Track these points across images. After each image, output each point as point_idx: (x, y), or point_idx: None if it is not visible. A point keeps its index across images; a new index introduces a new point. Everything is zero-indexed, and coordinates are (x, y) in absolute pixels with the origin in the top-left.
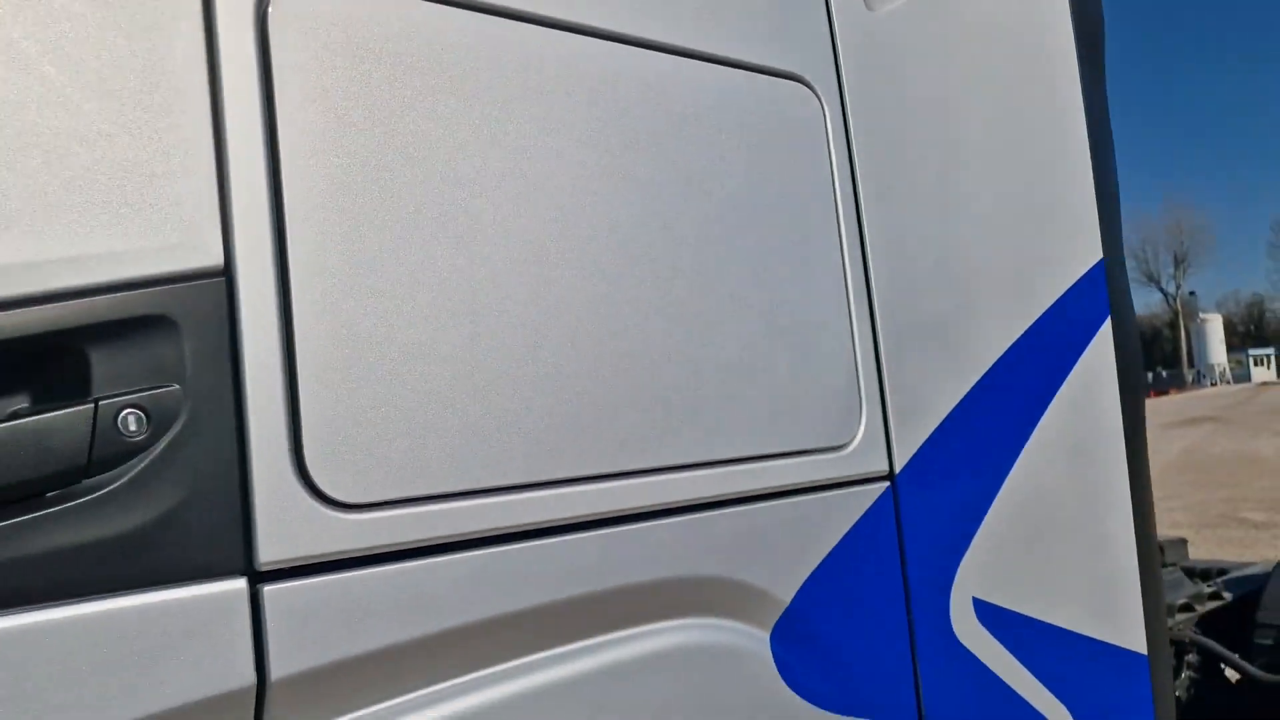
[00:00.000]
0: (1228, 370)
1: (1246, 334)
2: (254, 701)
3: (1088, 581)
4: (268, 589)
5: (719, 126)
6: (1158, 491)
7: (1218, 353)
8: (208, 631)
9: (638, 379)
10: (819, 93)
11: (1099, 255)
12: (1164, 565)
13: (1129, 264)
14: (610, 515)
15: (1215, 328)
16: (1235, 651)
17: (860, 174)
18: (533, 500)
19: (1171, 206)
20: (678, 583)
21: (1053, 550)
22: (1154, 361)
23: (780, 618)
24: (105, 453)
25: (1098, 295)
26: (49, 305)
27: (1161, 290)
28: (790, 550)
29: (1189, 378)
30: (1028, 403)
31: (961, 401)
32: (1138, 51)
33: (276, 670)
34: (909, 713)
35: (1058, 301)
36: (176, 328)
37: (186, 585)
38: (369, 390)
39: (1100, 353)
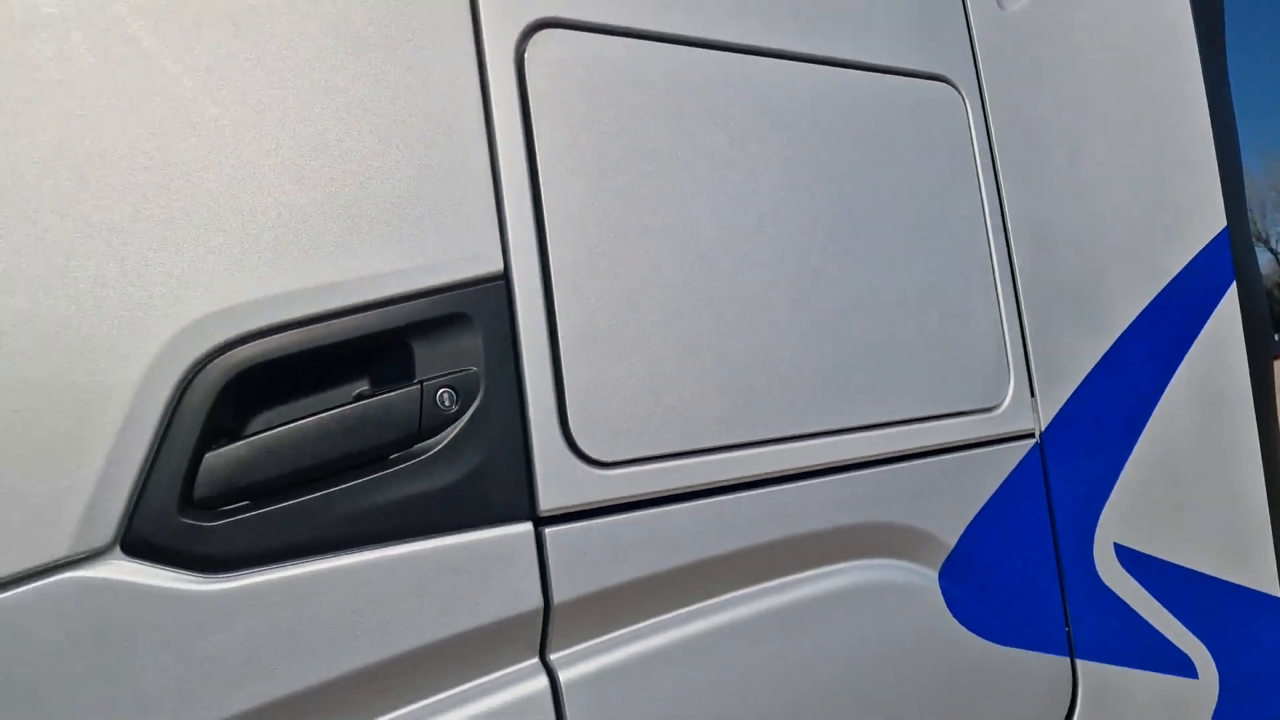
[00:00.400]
0: None
1: None
2: (541, 621)
3: (1221, 529)
4: (548, 530)
5: (878, 127)
6: None
7: None
8: (506, 565)
9: (826, 356)
10: (961, 90)
11: (1222, 224)
12: None
13: None
14: (807, 470)
15: None
16: None
17: (1000, 161)
18: (746, 458)
19: (1277, 164)
20: (861, 528)
21: (1187, 500)
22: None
23: (947, 559)
24: (430, 423)
25: (1223, 261)
26: (382, 310)
27: (1272, 250)
28: (953, 500)
29: None
30: (1159, 364)
31: (1098, 365)
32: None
33: (558, 595)
34: (1060, 647)
35: (1185, 269)
36: (472, 322)
37: (489, 529)
38: (617, 370)
39: (1227, 316)
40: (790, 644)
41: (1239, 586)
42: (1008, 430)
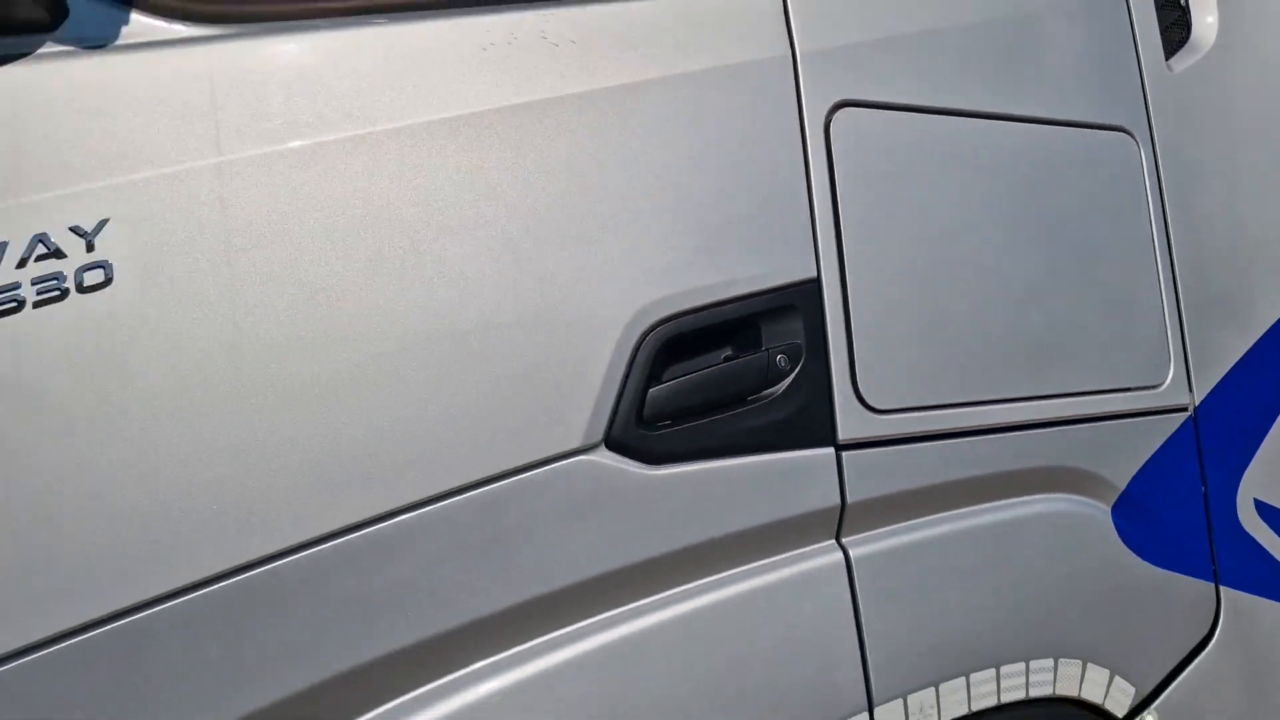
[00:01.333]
0: None
1: None
2: (838, 514)
3: None
4: (844, 454)
5: (1073, 169)
6: None
7: None
8: (817, 474)
9: (1035, 343)
10: (1137, 138)
11: None
12: None
13: None
14: (1019, 424)
15: None
16: None
17: (1166, 195)
18: (977, 412)
19: None
20: (1056, 469)
21: None
22: None
23: (1118, 499)
24: (771, 377)
25: None
26: (744, 301)
27: None
28: (1124, 453)
29: None
30: None
31: (1243, 358)
32: None
33: (850, 498)
34: (1208, 574)
35: None
36: (797, 310)
37: (806, 450)
38: (890, 346)
39: None
40: (1002, 549)
41: None
42: (1168, 404)
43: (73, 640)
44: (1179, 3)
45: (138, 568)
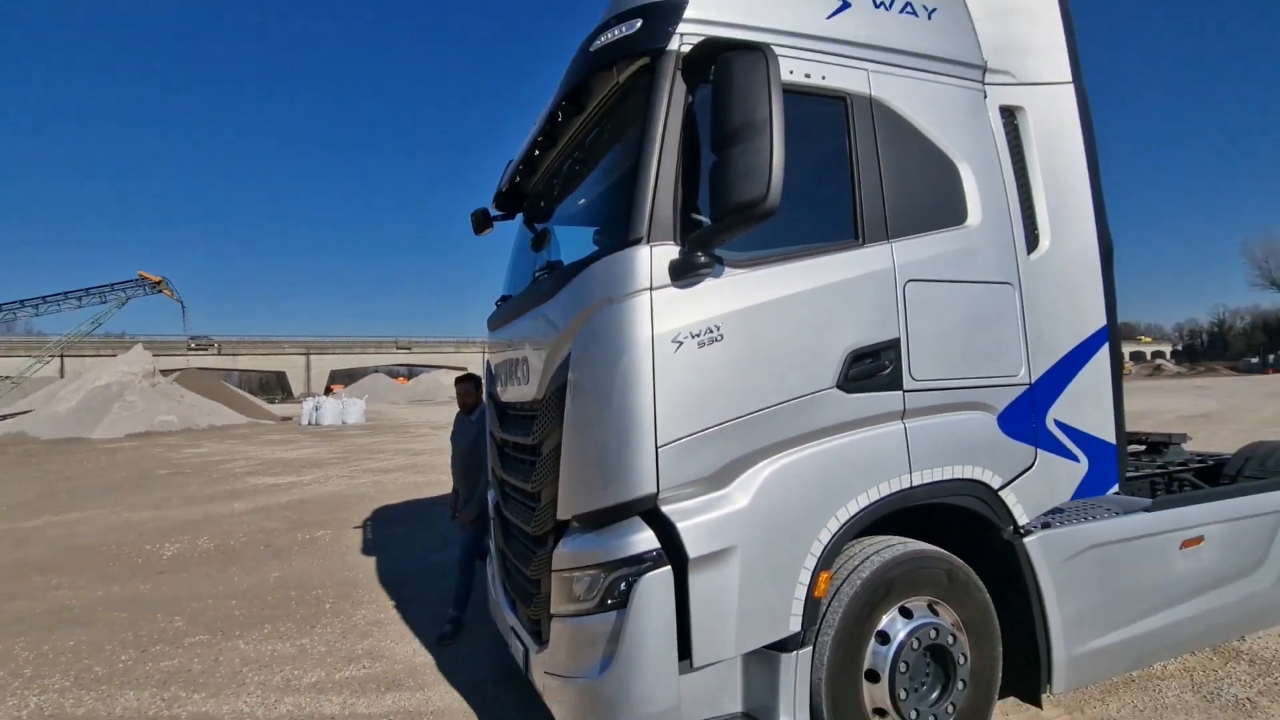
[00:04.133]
0: None
1: None
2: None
3: (1099, 422)
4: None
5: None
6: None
7: None
8: None
9: (975, 356)
10: (1014, 286)
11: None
12: (1171, 445)
13: (1251, 273)
14: (970, 388)
15: None
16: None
17: (1025, 302)
18: (956, 380)
19: None
20: (976, 403)
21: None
22: (1274, 346)
23: (998, 416)
24: None
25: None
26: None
27: None
28: (1004, 398)
29: None
30: (1086, 355)
31: (1053, 365)
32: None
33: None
34: (1034, 444)
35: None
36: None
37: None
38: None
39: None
40: (955, 432)
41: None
42: (1022, 382)
43: None
44: (1034, 229)
45: None
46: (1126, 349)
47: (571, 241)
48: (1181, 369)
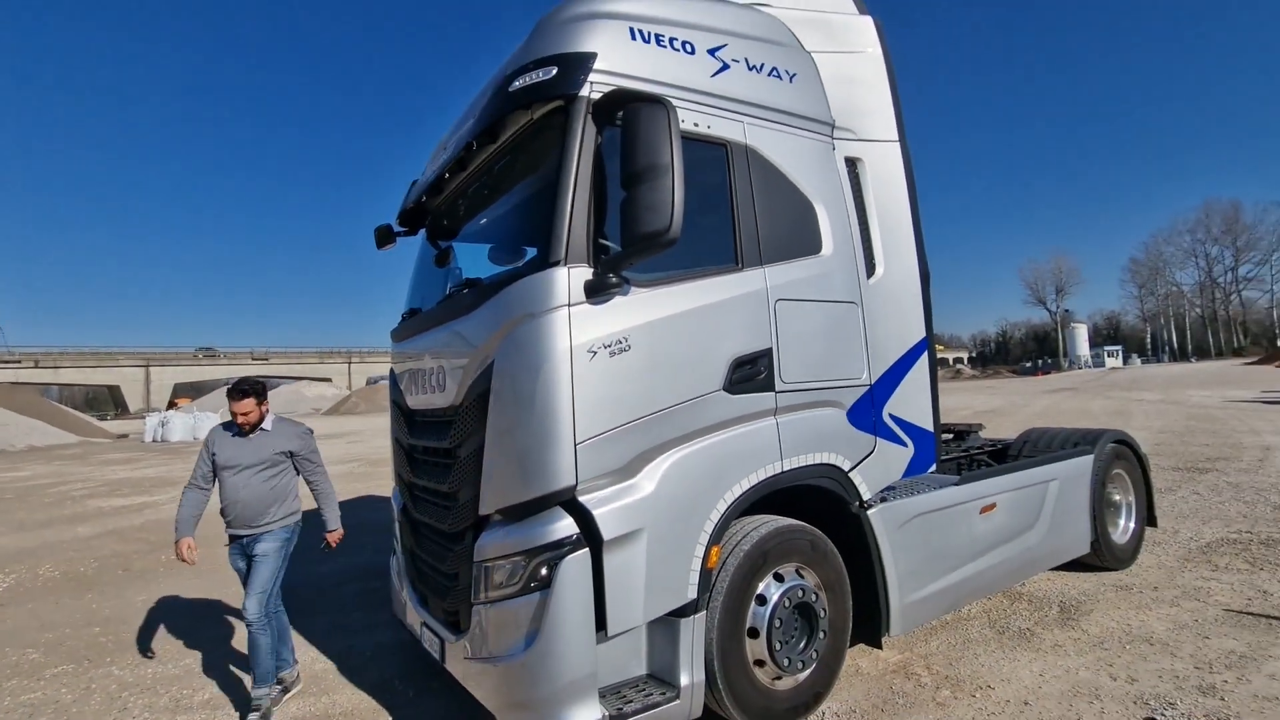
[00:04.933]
0: (1089, 359)
1: (1105, 336)
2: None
3: (919, 412)
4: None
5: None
6: (1025, 425)
7: (1083, 348)
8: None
9: (811, 364)
10: (858, 304)
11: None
12: (970, 433)
13: (1025, 294)
14: (830, 389)
15: (1082, 332)
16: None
17: (865, 315)
18: (819, 380)
19: (1053, 254)
20: (828, 402)
21: (911, 397)
22: (1043, 353)
23: (847, 411)
24: None
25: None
26: None
27: (1048, 309)
28: (850, 397)
29: (1064, 364)
30: (912, 361)
31: (888, 369)
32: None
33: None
34: (873, 433)
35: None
36: None
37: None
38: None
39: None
40: (812, 424)
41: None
42: (863, 383)
43: None
44: (872, 258)
45: None
46: None
47: (479, 259)
48: (976, 373)
